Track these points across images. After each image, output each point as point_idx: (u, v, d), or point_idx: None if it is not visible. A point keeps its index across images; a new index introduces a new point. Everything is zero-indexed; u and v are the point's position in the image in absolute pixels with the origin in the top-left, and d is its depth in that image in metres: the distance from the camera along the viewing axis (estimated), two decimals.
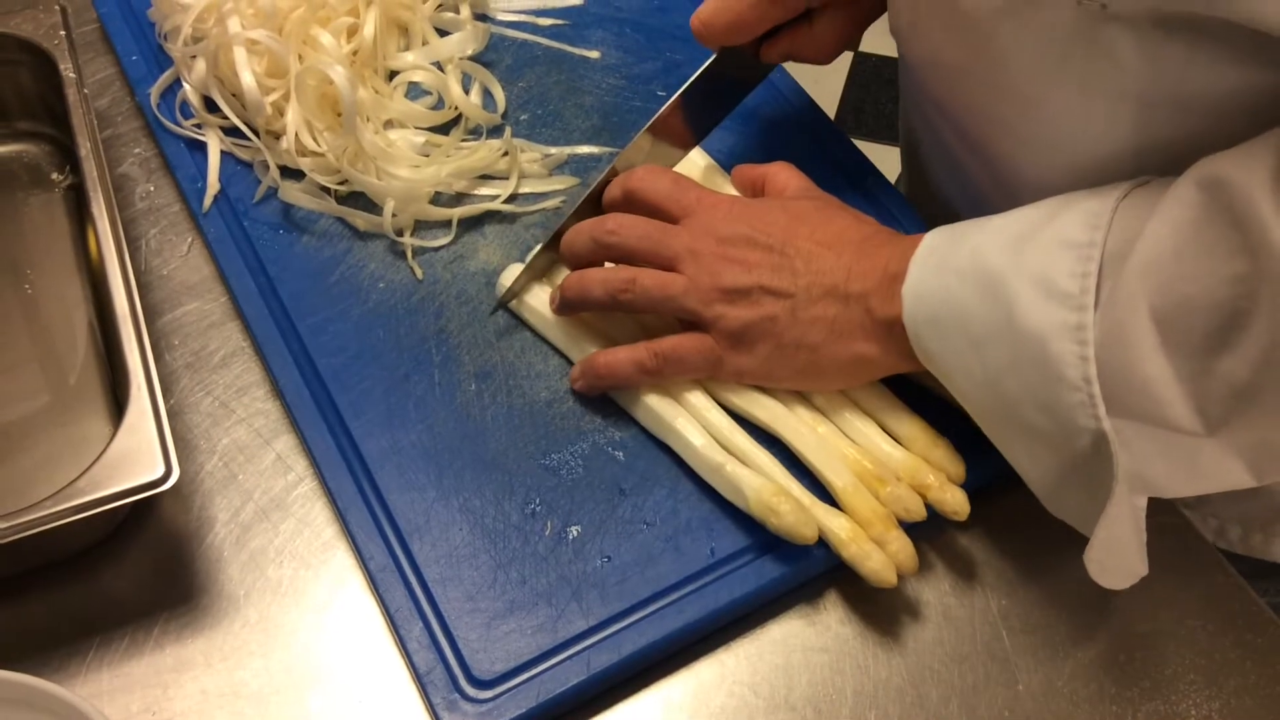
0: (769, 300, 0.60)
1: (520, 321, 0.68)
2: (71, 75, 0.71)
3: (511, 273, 0.68)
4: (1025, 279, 0.53)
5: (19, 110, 0.76)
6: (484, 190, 0.73)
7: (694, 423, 0.62)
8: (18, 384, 0.67)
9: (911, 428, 0.62)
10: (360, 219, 0.71)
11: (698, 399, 0.63)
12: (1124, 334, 0.50)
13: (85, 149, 0.67)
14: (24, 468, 0.64)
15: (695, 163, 0.73)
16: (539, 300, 0.67)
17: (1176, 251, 0.49)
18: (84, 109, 0.69)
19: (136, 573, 0.61)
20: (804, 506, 0.58)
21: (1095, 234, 0.52)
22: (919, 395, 0.63)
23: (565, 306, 0.65)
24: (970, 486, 0.60)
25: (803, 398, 0.63)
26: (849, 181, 0.74)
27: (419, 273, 0.69)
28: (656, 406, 0.62)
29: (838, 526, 0.58)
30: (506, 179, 0.74)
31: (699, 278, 0.61)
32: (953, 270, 0.56)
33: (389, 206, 0.70)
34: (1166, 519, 0.63)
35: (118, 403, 0.64)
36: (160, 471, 0.56)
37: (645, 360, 0.62)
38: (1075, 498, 0.55)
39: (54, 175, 0.76)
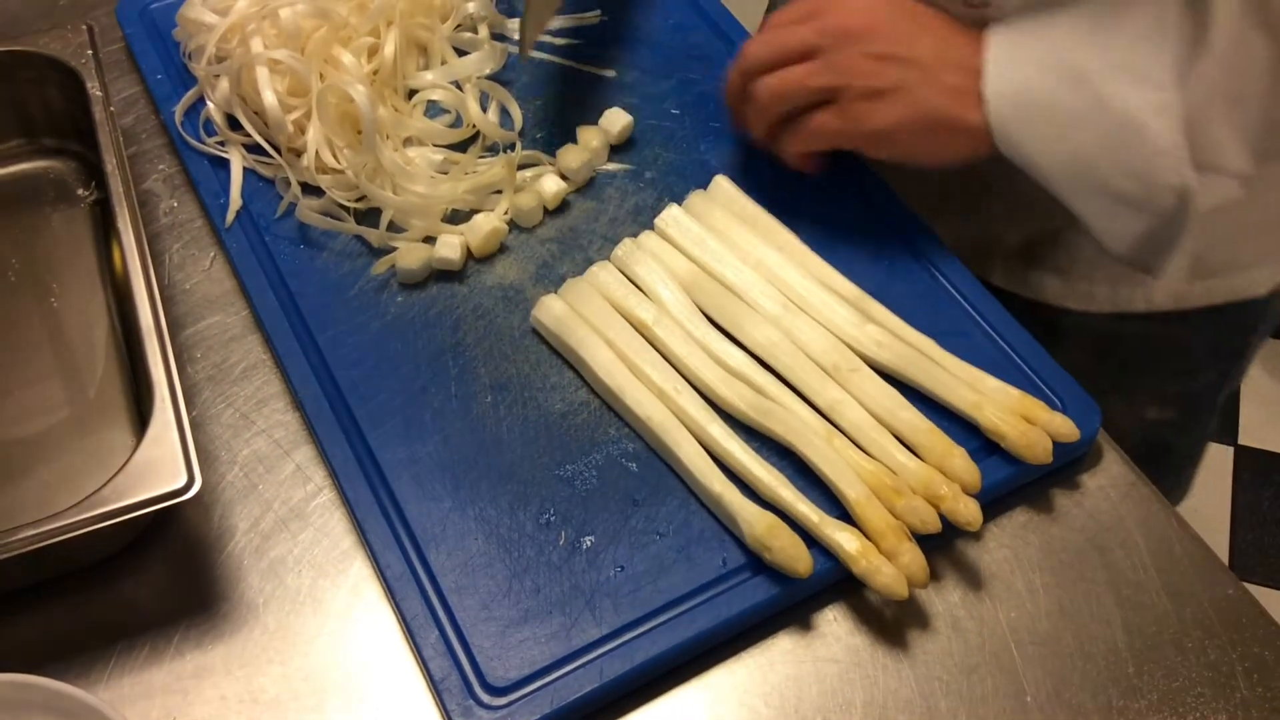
0: (899, 67, 0.66)
1: (537, 335, 0.69)
2: (98, 93, 0.72)
3: (545, 306, 0.68)
4: (1111, 69, 0.61)
5: (46, 127, 0.78)
6: (499, 206, 0.74)
7: (696, 448, 0.63)
8: (41, 396, 0.68)
9: (927, 437, 0.62)
10: (373, 235, 0.72)
11: (699, 412, 0.64)
12: (1203, 106, 0.60)
13: (111, 165, 0.69)
14: (48, 478, 0.65)
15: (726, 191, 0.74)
16: (555, 314, 0.68)
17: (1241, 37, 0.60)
18: (110, 126, 0.70)
19: (158, 581, 0.62)
20: (798, 541, 0.58)
21: (1165, 25, 0.61)
22: (933, 404, 0.64)
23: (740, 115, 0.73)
24: (981, 498, 0.61)
25: (816, 409, 0.64)
26: (859, 200, 0.75)
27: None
28: (659, 430, 0.63)
29: (847, 542, 0.59)
30: (520, 192, 0.75)
31: (831, 55, 0.66)
32: (1033, 65, 0.63)
33: (385, 216, 0.72)
34: (1178, 541, 0.63)
35: (140, 414, 0.65)
36: (183, 481, 0.57)
37: (795, 142, 0.70)
38: (1147, 244, 0.65)
39: (80, 191, 0.77)
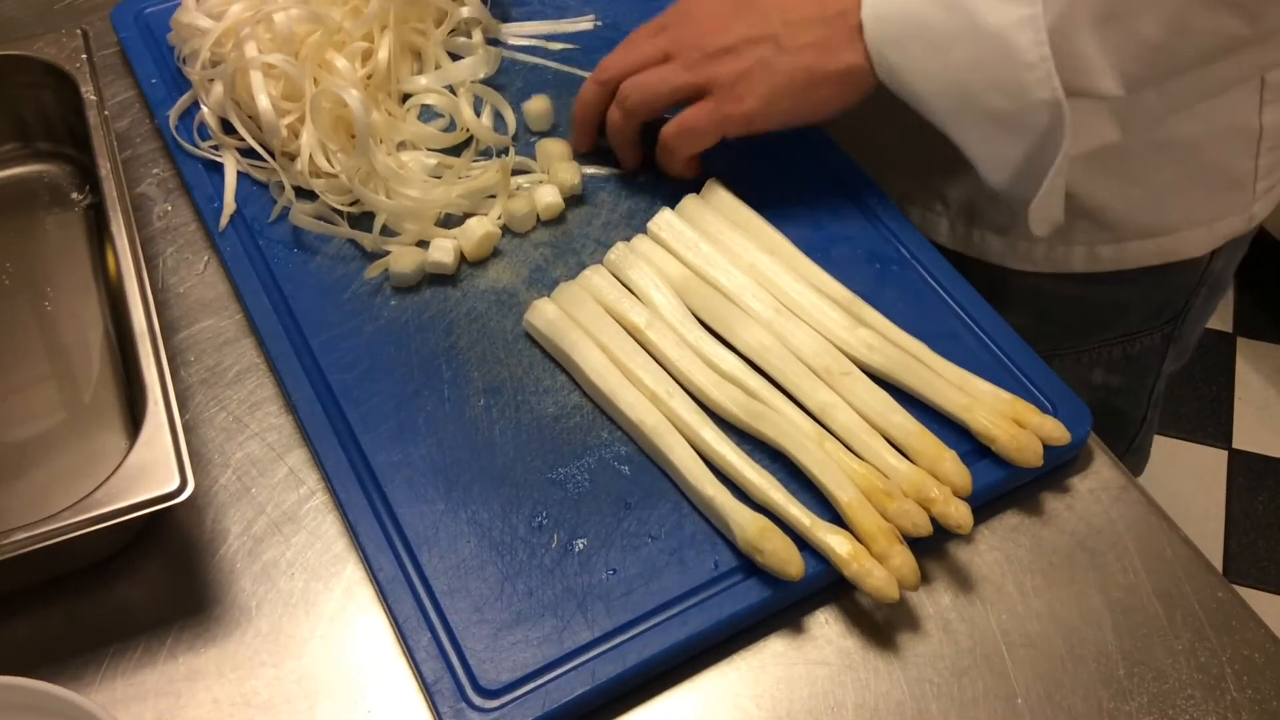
0: (752, 48, 0.68)
1: (529, 339, 0.69)
2: (92, 97, 0.72)
3: (538, 309, 0.69)
4: None
5: (41, 131, 0.78)
6: (492, 211, 0.75)
7: (688, 451, 0.63)
8: (35, 399, 0.68)
9: (919, 440, 0.63)
10: (367, 239, 0.72)
11: (691, 416, 0.64)
12: (1068, 18, 0.61)
13: (105, 169, 0.69)
14: (42, 481, 0.65)
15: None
16: (547, 318, 0.68)
17: None
18: (104, 130, 0.71)
19: (151, 584, 0.62)
20: (790, 545, 0.59)
21: None
22: (924, 407, 0.64)
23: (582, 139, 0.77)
24: (972, 501, 0.61)
25: (808, 412, 0.64)
26: (852, 204, 0.75)
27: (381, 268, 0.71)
28: (651, 434, 0.63)
29: (838, 545, 0.59)
30: (513, 197, 0.75)
31: (688, 56, 0.70)
32: None
33: (379, 220, 0.72)
34: (1168, 544, 0.64)
35: (134, 418, 0.65)
36: (176, 484, 0.57)
37: (665, 138, 0.72)
38: (1024, 169, 0.66)
39: (74, 195, 0.77)
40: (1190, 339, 0.96)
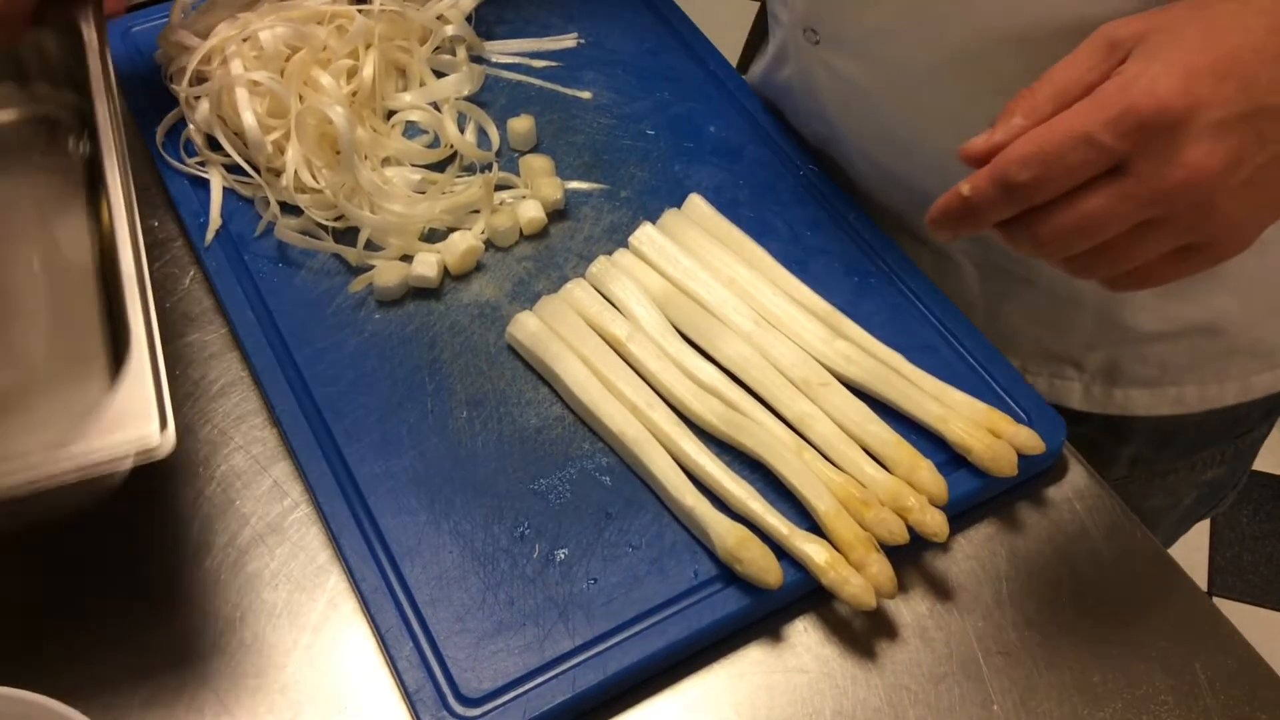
0: (1268, 171, 0.48)
1: (512, 352, 0.70)
2: (94, 42, 0.70)
3: (520, 322, 0.69)
4: None
5: (39, 74, 0.76)
6: (476, 226, 0.75)
7: (669, 462, 0.63)
8: (21, 346, 0.67)
9: (895, 450, 0.63)
10: (351, 254, 0.73)
11: (672, 427, 0.65)
12: None
13: (103, 113, 0.67)
14: (19, 430, 0.62)
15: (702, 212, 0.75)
16: (530, 331, 0.69)
17: None
18: (104, 75, 0.69)
19: (134, 596, 0.62)
20: (768, 554, 0.59)
21: None
22: (901, 417, 0.65)
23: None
24: (948, 510, 0.62)
25: (786, 423, 0.65)
26: (831, 218, 0.76)
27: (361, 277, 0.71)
28: (632, 445, 0.64)
29: (816, 554, 0.60)
30: (496, 213, 0.76)
31: (1163, 195, 0.48)
32: None
33: (363, 235, 0.73)
34: (1141, 551, 0.64)
35: (121, 369, 0.63)
36: (155, 427, 0.54)
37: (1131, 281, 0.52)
38: None
39: (72, 142, 0.75)
40: None
